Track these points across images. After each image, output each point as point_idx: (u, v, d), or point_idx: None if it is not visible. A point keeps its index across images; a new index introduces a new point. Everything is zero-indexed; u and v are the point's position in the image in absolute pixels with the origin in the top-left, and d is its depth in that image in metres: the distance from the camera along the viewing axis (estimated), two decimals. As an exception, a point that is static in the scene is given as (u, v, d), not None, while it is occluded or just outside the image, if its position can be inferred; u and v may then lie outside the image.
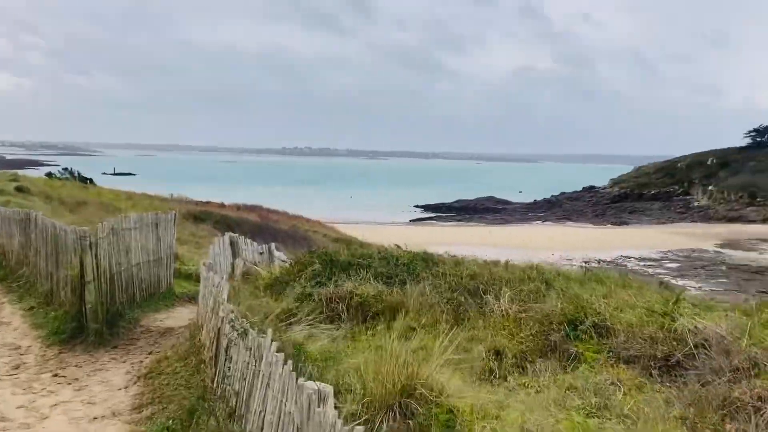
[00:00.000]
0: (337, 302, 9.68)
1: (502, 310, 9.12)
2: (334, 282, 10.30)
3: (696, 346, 6.76)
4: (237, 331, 6.61)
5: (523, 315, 8.76)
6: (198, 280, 13.94)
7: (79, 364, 9.81)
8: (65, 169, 62.74)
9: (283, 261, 13.85)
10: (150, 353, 10.17)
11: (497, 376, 7.50)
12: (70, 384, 9.14)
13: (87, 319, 10.25)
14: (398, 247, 16.02)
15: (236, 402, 6.42)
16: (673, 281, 60.86)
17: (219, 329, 7.48)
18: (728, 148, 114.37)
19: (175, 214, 13.31)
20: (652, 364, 6.94)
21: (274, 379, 5.11)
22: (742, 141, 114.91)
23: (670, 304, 7.81)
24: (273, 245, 13.78)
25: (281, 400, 4.86)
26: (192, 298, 13.46)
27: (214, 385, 7.37)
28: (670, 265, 71.60)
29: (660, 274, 64.45)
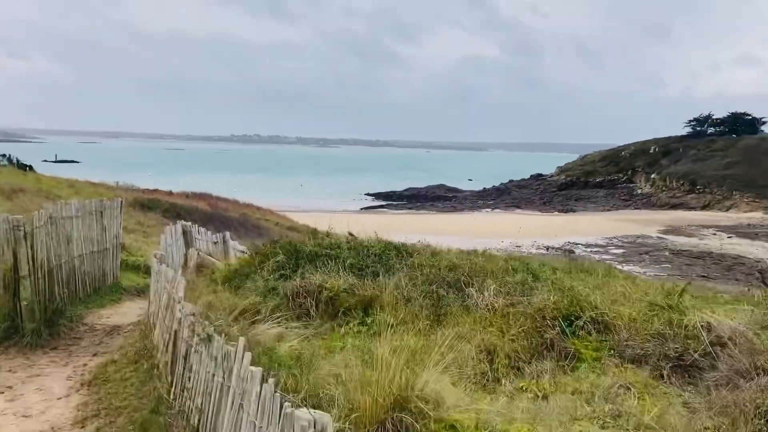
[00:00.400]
0: (305, 297, 8.73)
1: (487, 305, 8.31)
2: (300, 274, 9.32)
3: (712, 344, 6.05)
4: (199, 336, 5.58)
5: (512, 309, 7.96)
6: (147, 272, 12.83)
7: (13, 368, 8.56)
8: (2, 155, 59.59)
9: (241, 251, 12.78)
10: (95, 355, 9.02)
11: (490, 380, 6.68)
12: (1, 393, 7.93)
13: (22, 318, 9.01)
14: (351, 234, 15.28)
15: (199, 420, 5.40)
16: (619, 266, 61.74)
17: (176, 332, 6.43)
18: (670, 137, 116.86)
19: (121, 202, 12.12)
20: (663, 364, 6.21)
21: (250, 400, 4.14)
22: (683, 130, 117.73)
23: (675, 296, 7.10)
24: (228, 234, 12.69)
25: (260, 427, 3.90)
26: (140, 292, 12.31)
27: (171, 397, 6.32)
28: (615, 251, 72.84)
29: (606, 259, 65.45)
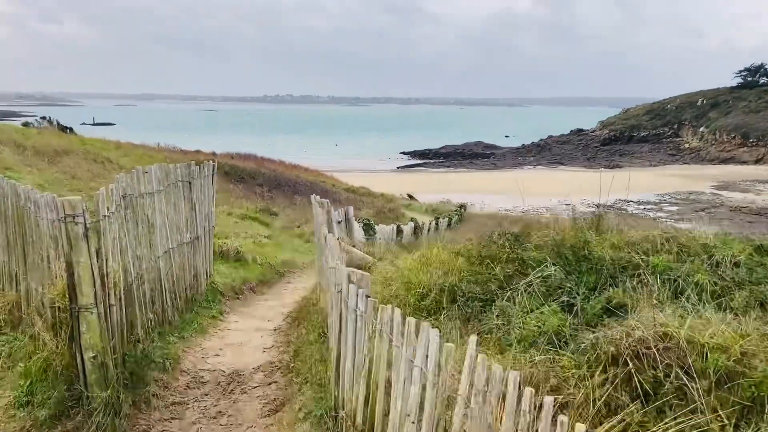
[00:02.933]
0: (665, 372, 3.96)
1: None
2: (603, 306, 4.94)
3: None
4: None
5: None
6: (238, 260, 9.03)
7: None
8: (43, 117, 56.51)
9: (369, 234, 8.91)
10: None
11: None
12: None
13: (87, 382, 5.13)
14: (411, 197, 11.14)
15: None
16: (676, 225, 57.70)
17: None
18: (718, 89, 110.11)
19: (213, 167, 8.32)
20: None
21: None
22: (732, 81, 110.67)
23: None
24: (351, 210, 8.82)
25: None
26: (239, 293, 8.60)
27: None
28: (669, 208, 68.69)
29: (661, 217, 61.60)
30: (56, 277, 5.05)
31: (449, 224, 20.57)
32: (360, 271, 3.55)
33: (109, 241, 5.33)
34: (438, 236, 18.90)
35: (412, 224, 15.55)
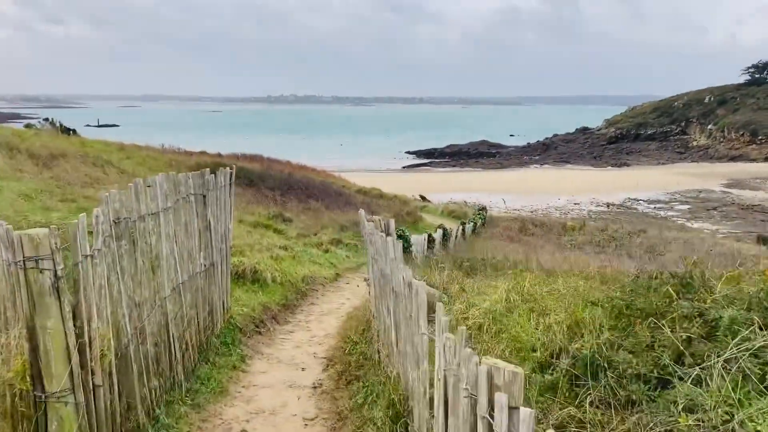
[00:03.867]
0: None
1: None
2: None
3: None
4: None
5: None
6: (255, 281, 7.51)
7: None
8: (46, 119, 54.96)
9: (404, 246, 7.33)
10: None
11: None
12: None
13: None
14: (423, 198, 9.61)
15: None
16: (688, 224, 56.26)
17: None
18: (725, 86, 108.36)
19: (231, 174, 6.67)
20: None
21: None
22: (739, 78, 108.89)
23: None
24: (392, 223, 7.20)
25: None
26: (260, 325, 7.01)
27: None
28: (680, 206, 67.40)
29: (672, 216, 60.49)
30: (15, 349, 3.38)
31: (474, 229, 19.05)
32: (508, 367, 2.02)
33: (94, 292, 3.60)
34: (466, 243, 17.39)
35: (440, 232, 13.97)
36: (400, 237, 9.86)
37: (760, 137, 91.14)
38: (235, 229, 12.99)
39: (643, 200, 70.22)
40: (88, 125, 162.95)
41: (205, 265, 5.57)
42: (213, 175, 6.31)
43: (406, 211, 22.50)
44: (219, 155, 48.46)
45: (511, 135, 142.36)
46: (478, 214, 21.48)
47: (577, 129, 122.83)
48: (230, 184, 6.67)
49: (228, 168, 6.59)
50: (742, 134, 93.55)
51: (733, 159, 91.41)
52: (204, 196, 5.72)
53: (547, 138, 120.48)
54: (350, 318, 8.05)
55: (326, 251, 14.86)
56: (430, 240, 12.19)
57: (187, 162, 23.20)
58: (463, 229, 17.22)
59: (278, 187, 20.50)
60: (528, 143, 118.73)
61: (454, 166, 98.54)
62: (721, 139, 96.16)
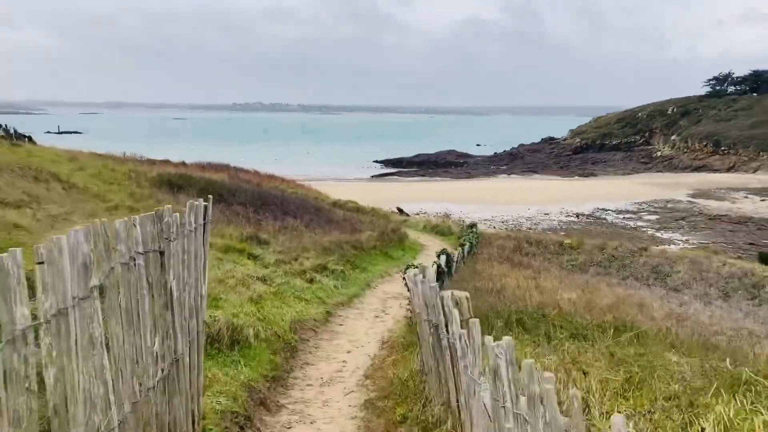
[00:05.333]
0: None
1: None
2: None
3: None
4: None
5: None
6: (232, 347, 5.16)
7: None
8: (-1, 126, 51.20)
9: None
10: None
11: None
12: None
13: None
14: (400, 210, 7.52)
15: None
16: (658, 234, 55.48)
17: None
18: (688, 97, 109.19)
19: (205, 209, 4.14)
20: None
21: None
22: (701, 89, 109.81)
23: None
24: (476, 326, 4.88)
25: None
26: (243, 427, 4.64)
27: None
28: (649, 217, 67.02)
29: (642, 227, 60.04)
30: None
31: (470, 250, 16.96)
32: None
33: None
34: (466, 267, 15.29)
35: (444, 258, 11.80)
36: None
37: (722, 148, 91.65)
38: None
39: (612, 210, 69.68)
40: (48, 132, 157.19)
41: (163, 370, 3.23)
42: (177, 216, 3.97)
43: (391, 229, 20.28)
44: (184, 164, 45.57)
45: (477, 144, 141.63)
46: (470, 233, 19.38)
47: (542, 139, 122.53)
48: (205, 224, 4.30)
49: (202, 202, 4.23)
50: (706, 145, 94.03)
51: (697, 169, 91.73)
52: (161, 253, 3.40)
53: (513, 148, 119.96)
54: (369, 405, 5.78)
55: (311, 281, 12.56)
56: (440, 272, 10.00)
57: (148, 173, 20.59)
58: (463, 251, 15.13)
59: (251, 203, 18.08)
60: (495, 153, 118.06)
61: (422, 175, 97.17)
62: (685, 150, 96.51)
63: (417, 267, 7.42)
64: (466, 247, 16.28)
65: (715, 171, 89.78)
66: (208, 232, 4.50)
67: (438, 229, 26.18)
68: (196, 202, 4.17)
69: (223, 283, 9.48)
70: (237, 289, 9.56)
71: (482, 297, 10.65)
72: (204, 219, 4.27)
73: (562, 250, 20.14)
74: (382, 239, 18.82)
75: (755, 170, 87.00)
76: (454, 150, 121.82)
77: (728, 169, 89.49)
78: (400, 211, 36.25)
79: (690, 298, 16.26)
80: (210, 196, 4.82)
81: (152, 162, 42.31)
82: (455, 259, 13.26)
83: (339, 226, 18.60)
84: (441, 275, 10.11)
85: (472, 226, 21.54)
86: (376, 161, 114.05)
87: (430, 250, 21.31)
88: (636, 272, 18.29)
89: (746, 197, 76.92)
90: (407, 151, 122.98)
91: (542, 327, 6.64)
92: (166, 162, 46.89)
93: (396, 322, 10.37)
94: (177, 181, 18.78)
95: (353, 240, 16.88)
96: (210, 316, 6.55)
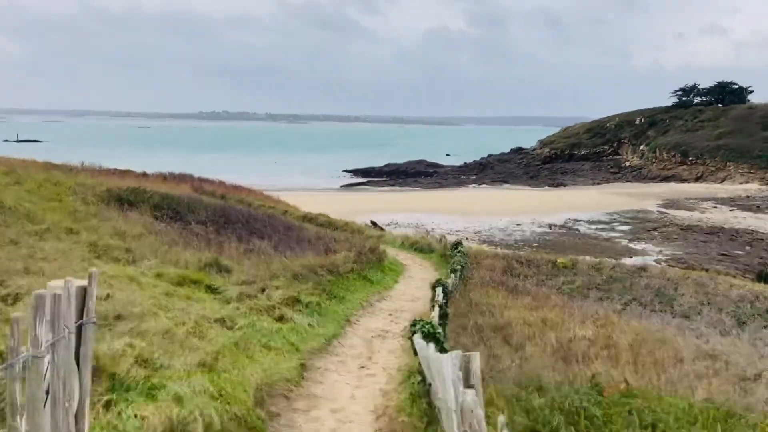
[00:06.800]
0: None
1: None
2: None
3: None
4: None
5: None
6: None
7: None
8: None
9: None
10: None
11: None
12: None
13: None
14: (374, 224, 5.53)
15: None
16: (631, 245, 54.58)
17: None
18: (655, 108, 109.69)
19: (86, 303, 2.24)
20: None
21: None
22: (667, 100, 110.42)
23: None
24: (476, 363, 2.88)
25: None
26: None
27: None
28: (621, 227, 66.46)
29: (615, 237, 59.33)
30: None
31: (462, 272, 15.02)
32: None
33: None
34: (460, 296, 13.31)
35: (441, 291, 9.79)
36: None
37: (690, 158, 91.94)
38: (149, 290, 8.52)
39: (584, 221, 68.89)
40: (6, 140, 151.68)
41: None
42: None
43: (369, 248, 18.25)
44: (144, 174, 42.87)
45: (447, 154, 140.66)
46: (458, 254, 17.41)
47: (511, 149, 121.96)
48: (81, 329, 2.24)
49: (74, 290, 2.18)
50: (674, 155, 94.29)
51: (666, 179, 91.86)
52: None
53: (483, 158, 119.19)
54: None
55: (281, 318, 10.46)
56: (443, 314, 8.01)
57: (97, 187, 18.14)
58: (455, 279, 13.19)
59: (212, 221, 15.85)
60: (465, 163, 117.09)
61: (392, 185, 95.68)
62: (654, 160, 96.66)
63: (422, 324, 5.39)
64: (458, 273, 14.34)
65: (684, 181, 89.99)
66: (89, 340, 2.40)
67: (417, 245, 24.22)
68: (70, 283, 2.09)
69: (170, 337, 7.31)
70: (187, 343, 7.42)
71: (490, 341, 8.63)
72: (82, 317, 2.21)
73: (556, 270, 18.39)
74: (360, 260, 16.77)
75: (722, 180, 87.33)
76: (424, 160, 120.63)
77: (696, 179, 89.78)
78: (374, 224, 34.23)
79: (703, 326, 14.54)
80: (91, 284, 2.71)
81: (111, 172, 39.53)
82: (449, 288, 11.28)
83: (312, 246, 16.49)
84: (444, 317, 8.10)
85: (458, 244, 19.60)
86: (346, 171, 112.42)
87: (412, 271, 19.32)
88: (639, 295, 16.61)
89: (715, 207, 76.97)
90: (377, 161, 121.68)
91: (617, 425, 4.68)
92: (126, 172, 44.04)
93: (389, 378, 8.31)
94: (128, 197, 16.37)
95: (328, 263, 14.78)
96: (139, 418, 4.39)
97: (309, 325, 10.58)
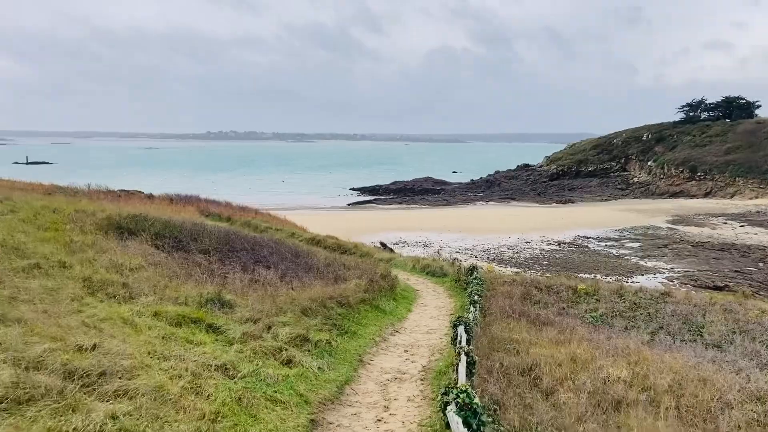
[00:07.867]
0: None
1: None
2: None
3: None
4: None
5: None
6: None
7: None
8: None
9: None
10: None
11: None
12: None
13: None
14: (384, 245, 4.53)
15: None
16: (642, 263, 53.28)
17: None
18: (662, 123, 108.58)
19: None
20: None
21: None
22: (675, 116, 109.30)
23: None
24: None
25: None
26: None
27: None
28: (631, 244, 64.86)
29: (625, 255, 57.92)
30: None
31: (477, 301, 14.02)
32: None
33: None
34: (481, 331, 12.33)
35: (462, 330, 8.81)
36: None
37: (699, 173, 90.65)
38: (144, 334, 7.55)
39: (593, 238, 67.58)
40: (16, 162, 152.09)
41: None
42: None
43: (381, 274, 17.30)
44: (150, 196, 42.26)
45: (453, 172, 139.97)
46: (475, 282, 16.40)
47: (518, 166, 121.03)
48: None
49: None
50: (682, 171, 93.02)
51: (674, 195, 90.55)
52: None
53: (489, 175, 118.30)
54: None
55: (289, 362, 9.50)
56: (470, 362, 7.05)
57: (97, 214, 17.28)
58: (475, 312, 12.21)
59: (216, 250, 14.96)
60: (472, 180, 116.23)
61: (399, 203, 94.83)
62: (662, 176, 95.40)
63: (456, 393, 4.45)
64: (478, 305, 13.35)
65: (692, 197, 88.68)
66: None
67: (429, 269, 23.23)
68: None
69: (162, 397, 6.36)
70: (182, 403, 6.45)
71: (519, 387, 7.62)
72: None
73: (576, 297, 17.37)
74: (371, 289, 15.81)
75: (732, 195, 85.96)
76: (430, 177, 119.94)
77: (705, 195, 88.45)
78: (384, 245, 33.24)
79: (739, 358, 13.46)
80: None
81: (116, 194, 38.93)
82: (471, 324, 10.30)
83: (320, 275, 15.54)
84: (471, 365, 7.12)
85: (473, 269, 18.59)
86: (353, 189, 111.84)
87: (425, 298, 18.34)
88: (665, 323, 15.55)
89: (725, 223, 75.58)
90: (384, 179, 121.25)
91: None
92: (132, 194, 43.46)
93: (410, 437, 7.32)
94: (128, 225, 15.51)
95: (338, 294, 13.84)
96: None
97: (319, 368, 9.62)
